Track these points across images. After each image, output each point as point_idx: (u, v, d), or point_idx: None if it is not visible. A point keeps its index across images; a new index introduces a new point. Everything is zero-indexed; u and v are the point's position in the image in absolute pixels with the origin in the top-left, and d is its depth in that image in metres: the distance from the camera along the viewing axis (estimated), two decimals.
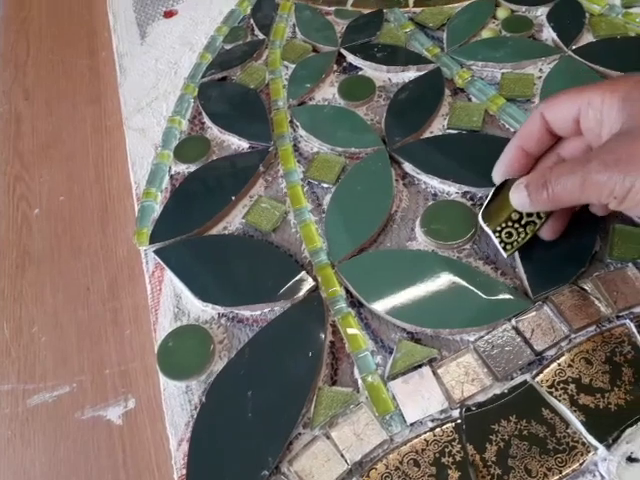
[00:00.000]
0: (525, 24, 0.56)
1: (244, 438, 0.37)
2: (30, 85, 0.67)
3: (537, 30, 0.56)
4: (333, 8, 0.63)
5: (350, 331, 0.41)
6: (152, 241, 0.47)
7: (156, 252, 0.46)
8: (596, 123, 0.35)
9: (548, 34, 0.55)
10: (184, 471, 0.37)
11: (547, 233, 0.40)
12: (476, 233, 0.43)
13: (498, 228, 0.40)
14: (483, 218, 0.41)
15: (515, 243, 0.40)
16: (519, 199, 0.37)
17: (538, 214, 0.39)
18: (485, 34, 0.57)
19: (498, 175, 0.41)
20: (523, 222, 0.39)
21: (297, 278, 0.43)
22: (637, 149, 0.31)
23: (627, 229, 0.41)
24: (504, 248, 0.40)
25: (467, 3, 0.60)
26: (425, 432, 0.36)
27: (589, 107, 0.35)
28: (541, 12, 0.57)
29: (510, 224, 0.39)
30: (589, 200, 0.34)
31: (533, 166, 0.40)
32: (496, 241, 0.40)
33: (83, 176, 0.56)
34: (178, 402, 0.40)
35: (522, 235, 0.39)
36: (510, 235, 0.39)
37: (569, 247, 0.41)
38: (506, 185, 0.40)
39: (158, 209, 0.49)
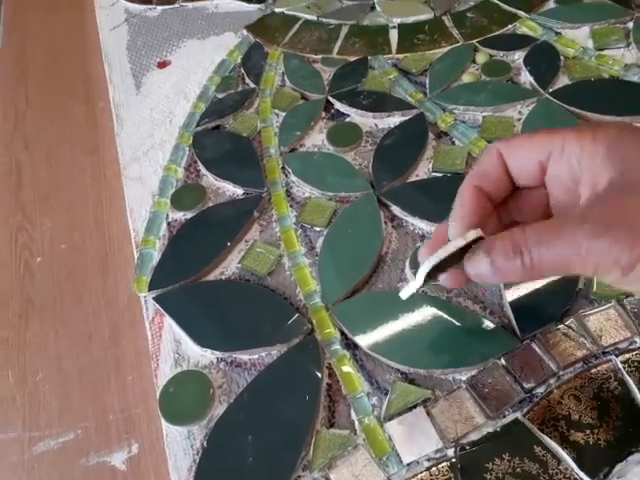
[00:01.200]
0: (503, 68, 0.57)
1: None
2: (30, 134, 0.68)
3: (515, 74, 0.57)
4: (320, 56, 0.64)
5: (346, 373, 0.41)
6: (151, 288, 0.47)
7: (155, 299, 0.46)
8: (568, 173, 0.30)
9: (526, 77, 0.56)
10: None
11: (450, 282, 0.33)
12: None
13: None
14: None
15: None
16: (479, 269, 0.29)
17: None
18: (466, 78, 0.58)
19: (455, 227, 0.32)
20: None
21: (292, 321, 0.43)
22: None
23: None
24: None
25: (448, 49, 0.61)
26: (421, 472, 0.36)
27: (563, 154, 0.30)
28: (518, 56, 0.59)
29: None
30: (583, 271, 0.27)
31: (490, 219, 0.33)
32: (413, 285, 0.33)
33: (83, 224, 0.57)
34: (180, 447, 0.40)
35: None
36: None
37: (554, 285, 0.41)
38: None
39: (157, 256, 0.50)
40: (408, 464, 0.36)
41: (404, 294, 0.34)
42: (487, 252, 0.29)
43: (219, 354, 0.43)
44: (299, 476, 0.37)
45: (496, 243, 0.29)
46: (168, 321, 0.46)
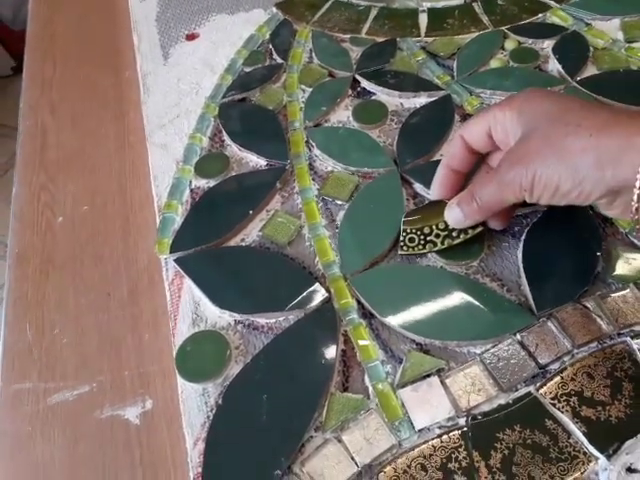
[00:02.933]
0: (532, 55, 0.58)
1: (259, 439, 0.38)
2: (56, 100, 0.69)
3: (543, 61, 0.58)
4: (348, 36, 0.65)
5: (361, 342, 0.41)
6: (173, 250, 0.48)
7: (176, 261, 0.47)
8: (503, 134, 0.40)
9: (554, 65, 0.57)
10: (200, 469, 0.37)
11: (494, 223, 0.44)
12: (483, 251, 0.44)
13: (408, 229, 0.45)
14: (405, 215, 0.45)
15: (411, 249, 0.45)
16: (454, 216, 0.42)
17: (442, 241, 0.43)
18: (494, 64, 0.58)
19: (434, 195, 0.45)
20: (428, 238, 0.44)
21: (311, 289, 0.44)
22: (531, 147, 0.37)
23: (629, 251, 0.42)
24: (400, 247, 0.45)
25: (477, 34, 0.61)
26: (433, 438, 0.36)
27: (496, 122, 0.40)
28: (547, 44, 0.59)
29: (419, 233, 0.44)
30: (509, 198, 0.39)
31: (464, 182, 0.44)
32: (401, 237, 0.45)
33: (106, 187, 0.57)
34: (195, 403, 0.40)
35: (420, 247, 0.44)
36: (412, 240, 0.45)
37: (573, 267, 0.42)
38: (438, 203, 0.44)
39: (179, 221, 0.50)
40: (420, 430, 0.37)
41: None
42: (458, 203, 0.42)
43: (237, 316, 0.44)
44: (311, 436, 0.38)
45: (461, 197, 0.42)
46: (187, 282, 0.46)
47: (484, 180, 0.40)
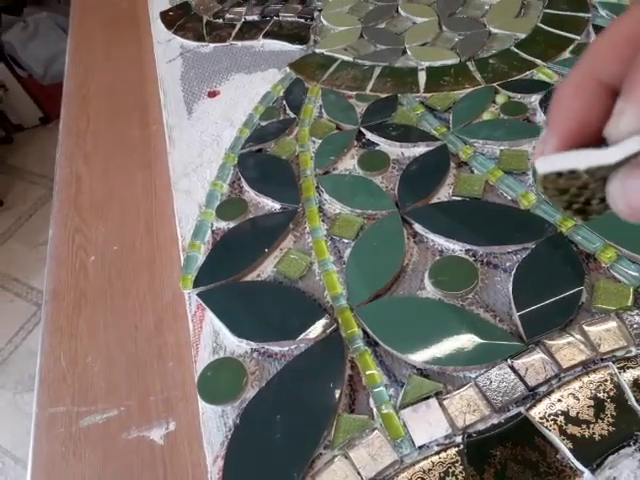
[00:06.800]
0: (521, 109, 0.61)
1: (273, 456, 0.39)
2: (89, 151, 0.73)
3: (531, 114, 0.60)
4: (354, 92, 0.68)
5: (368, 372, 0.43)
6: (195, 285, 0.51)
7: (199, 295, 0.50)
8: None
9: (540, 117, 0.60)
10: None
11: None
12: (477, 285, 0.46)
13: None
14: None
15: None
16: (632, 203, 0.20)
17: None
18: (486, 116, 0.61)
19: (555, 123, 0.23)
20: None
21: (320, 319, 0.46)
22: None
23: (610, 284, 0.44)
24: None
25: (470, 90, 0.65)
26: (432, 455, 0.38)
27: None
28: (534, 99, 0.62)
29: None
30: None
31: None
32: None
33: (134, 229, 0.60)
34: (215, 424, 0.42)
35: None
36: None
37: (559, 298, 0.44)
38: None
39: (201, 259, 0.53)
40: (420, 447, 0.38)
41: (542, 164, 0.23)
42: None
43: (253, 345, 0.46)
44: (321, 453, 0.39)
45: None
46: (209, 314, 0.49)
47: None
